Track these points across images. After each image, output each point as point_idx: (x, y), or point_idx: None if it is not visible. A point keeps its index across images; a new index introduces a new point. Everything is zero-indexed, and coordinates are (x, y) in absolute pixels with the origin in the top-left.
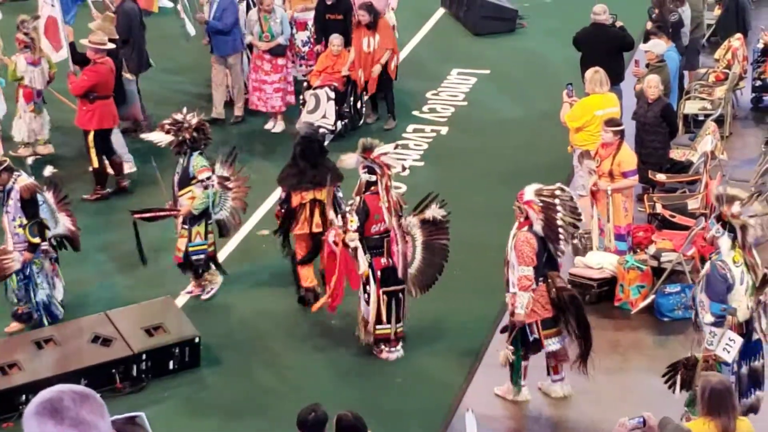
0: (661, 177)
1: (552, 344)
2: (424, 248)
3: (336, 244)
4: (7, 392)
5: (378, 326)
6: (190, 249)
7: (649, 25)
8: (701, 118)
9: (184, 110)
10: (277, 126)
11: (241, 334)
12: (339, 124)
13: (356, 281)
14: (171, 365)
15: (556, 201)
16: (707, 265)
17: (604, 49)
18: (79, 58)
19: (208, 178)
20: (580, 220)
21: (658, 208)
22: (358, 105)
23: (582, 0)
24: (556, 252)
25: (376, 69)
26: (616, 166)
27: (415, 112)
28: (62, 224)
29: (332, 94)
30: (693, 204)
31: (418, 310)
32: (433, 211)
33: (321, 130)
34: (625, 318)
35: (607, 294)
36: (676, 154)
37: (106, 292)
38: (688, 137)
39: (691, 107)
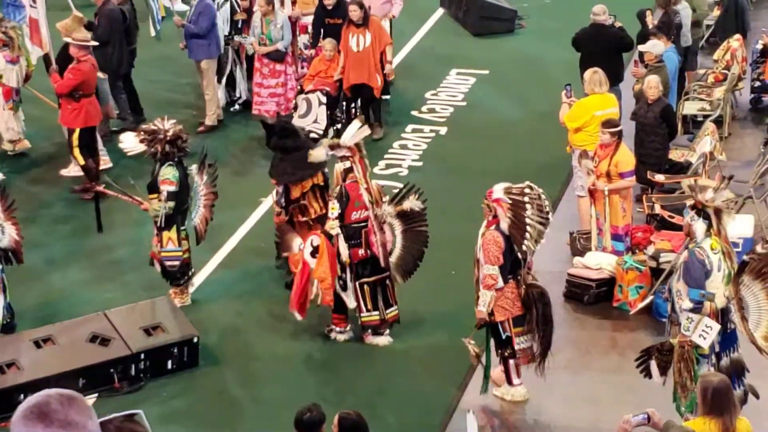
0: (660, 177)
1: (522, 342)
2: (403, 236)
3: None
4: (6, 391)
5: (363, 315)
6: (163, 255)
7: (650, 24)
8: (700, 118)
9: (165, 117)
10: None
11: (240, 334)
12: (331, 129)
13: (333, 271)
14: (169, 365)
15: (525, 199)
16: (685, 252)
17: (602, 49)
18: (62, 58)
19: (170, 192)
20: (547, 219)
21: (657, 209)
22: (352, 110)
23: (581, 0)
24: (519, 251)
25: (388, 68)
26: (614, 167)
27: (414, 113)
28: (8, 235)
29: (324, 99)
30: None
31: (417, 310)
32: (411, 203)
33: (312, 135)
34: (623, 318)
35: (606, 294)
36: (675, 154)
37: (97, 294)
38: (687, 138)
39: (690, 108)
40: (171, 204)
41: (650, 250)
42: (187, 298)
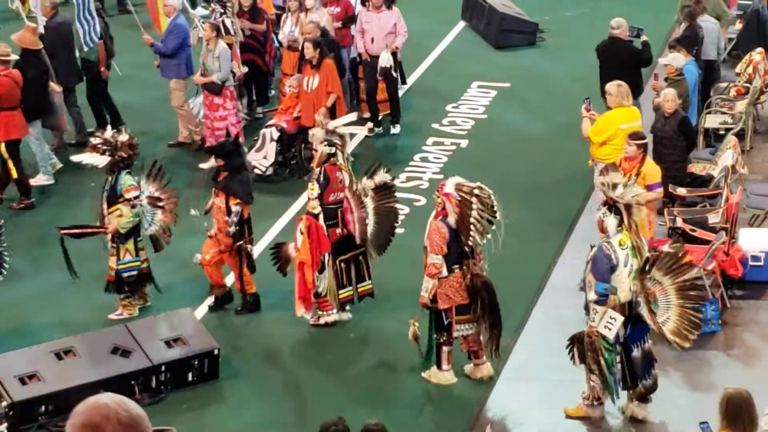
0: (681, 191)
1: (461, 330)
2: (375, 213)
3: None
4: (27, 403)
5: (340, 291)
6: (120, 266)
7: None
8: (722, 132)
9: (108, 128)
10: (207, 163)
11: (260, 347)
12: (271, 169)
13: (326, 246)
14: (190, 377)
15: (473, 199)
16: (595, 246)
17: (619, 62)
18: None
19: (136, 197)
20: (495, 216)
21: (679, 222)
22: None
23: (602, 14)
24: (465, 245)
25: (319, 114)
26: (641, 180)
27: (435, 125)
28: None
29: (276, 135)
30: (714, 218)
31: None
32: (381, 176)
33: (255, 171)
34: None
35: None
36: (697, 168)
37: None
38: (709, 151)
39: (711, 121)
40: (140, 209)
41: None
42: (135, 309)
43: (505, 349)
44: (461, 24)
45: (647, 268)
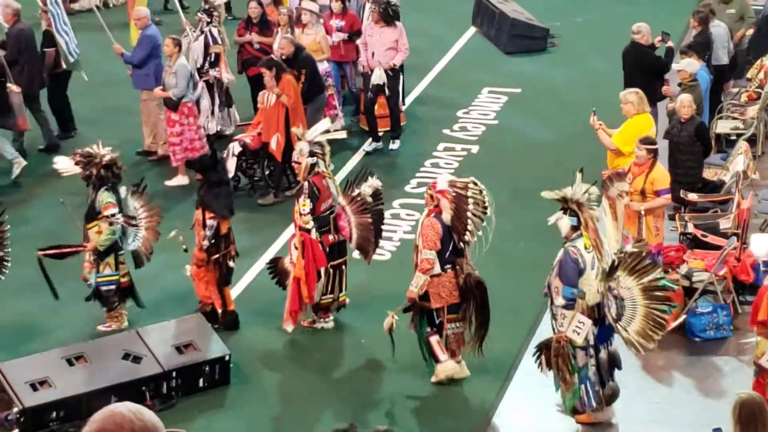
0: (693, 196)
1: (453, 328)
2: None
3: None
4: (38, 409)
5: (323, 296)
6: (99, 280)
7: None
8: (733, 137)
9: (99, 143)
10: (174, 180)
11: (271, 353)
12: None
13: (322, 261)
14: (201, 383)
15: (468, 193)
16: (561, 251)
17: (636, 68)
18: None
19: (113, 215)
20: (485, 213)
21: (690, 228)
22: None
23: (613, 20)
24: (460, 242)
25: (297, 129)
26: (649, 185)
27: (446, 131)
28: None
29: (237, 150)
30: (725, 224)
31: None
32: (373, 182)
33: None
34: None
35: None
36: (708, 173)
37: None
38: (721, 157)
39: (723, 127)
40: (119, 227)
41: (683, 269)
42: (123, 322)
43: (514, 354)
44: (472, 29)
45: (612, 269)
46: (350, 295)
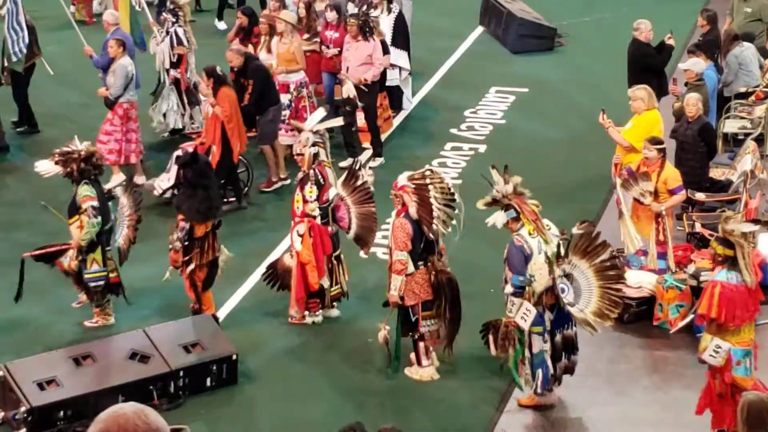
0: (700, 196)
1: (427, 325)
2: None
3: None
4: (46, 408)
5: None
6: (87, 276)
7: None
8: (741, 137)
9: (75, 138)
10: (112, 180)
11: (278, 352)
12: (169, 192)
13: (329, 247)
14: (208, 382)
15: (427, 181)
16: (508, 243)
17: (633, 64)
18: None
19: (94, 207)
20: (453, 200)
21: (698, 227)
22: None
23: (622, 19)
24: (429, 232)
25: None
26: (662, 184)
27: (453, 130)
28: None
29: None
30: None
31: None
32: (367, 173)
33: (153, 191)
34: (663, 337)
35: (646, 313)
36: (716, 173)
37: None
38: (728, 156)
39: (730, 126)
40: (98, 220)
41: (690, 268)
42: (110, 318)
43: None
44: (479, 29)
45: (560, 252)
46: (358, 293)
